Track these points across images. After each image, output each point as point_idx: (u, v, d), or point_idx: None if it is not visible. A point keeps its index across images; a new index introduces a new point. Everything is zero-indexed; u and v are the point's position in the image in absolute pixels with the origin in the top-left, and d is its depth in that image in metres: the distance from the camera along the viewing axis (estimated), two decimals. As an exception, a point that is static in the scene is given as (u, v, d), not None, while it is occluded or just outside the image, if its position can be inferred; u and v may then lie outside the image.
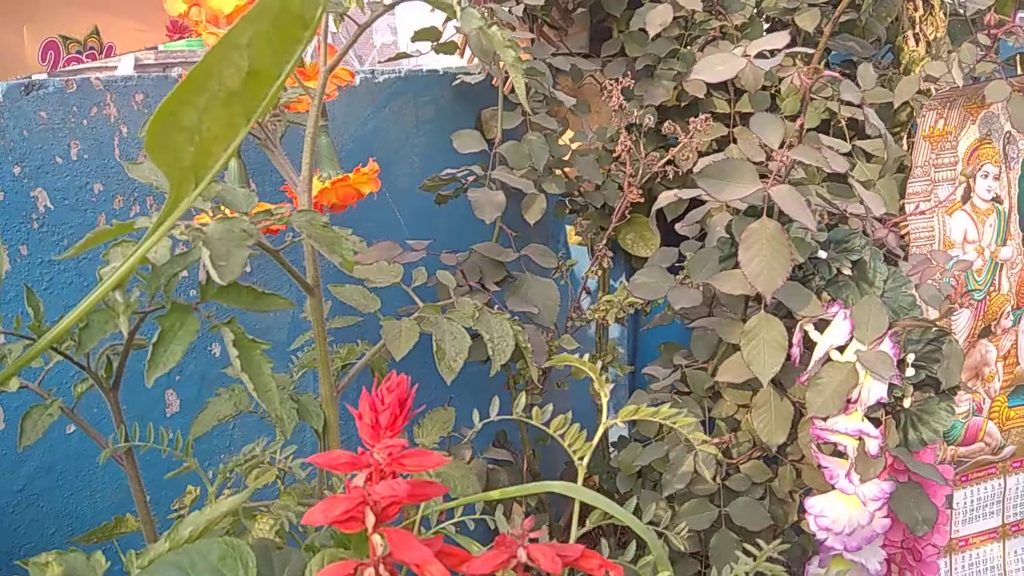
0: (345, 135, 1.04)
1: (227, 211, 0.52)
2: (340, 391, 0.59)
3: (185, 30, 0.72)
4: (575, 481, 0.57)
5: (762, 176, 0.73)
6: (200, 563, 0.41)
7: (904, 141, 1.20)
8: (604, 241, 1.11)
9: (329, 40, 0.63)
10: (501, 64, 1.14)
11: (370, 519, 0.38)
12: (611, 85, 0.97)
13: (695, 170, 0.69)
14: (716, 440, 0.82)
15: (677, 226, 1.06)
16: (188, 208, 0.43)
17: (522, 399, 0.59)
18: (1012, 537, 1.11)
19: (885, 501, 0.73)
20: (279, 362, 0.79)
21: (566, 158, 1.20)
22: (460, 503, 0.52)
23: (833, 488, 0.75)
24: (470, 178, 1.04)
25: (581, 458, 0.55)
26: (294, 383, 0.63)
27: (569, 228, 1.42)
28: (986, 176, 0.98)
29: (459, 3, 0.50)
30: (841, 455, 0.75)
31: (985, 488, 1.08)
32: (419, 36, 1.06)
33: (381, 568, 0.38)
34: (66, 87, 0.72)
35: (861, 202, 0.72)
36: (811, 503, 0.76)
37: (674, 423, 0.58)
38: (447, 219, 1.10)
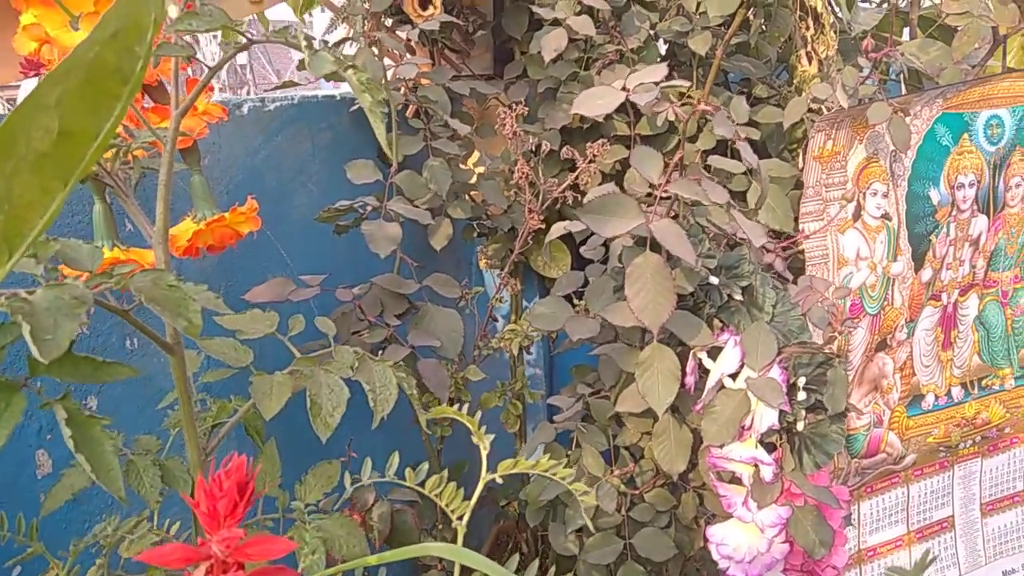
0: (234, 167, 1.00)
1: (67, 271, 0.49)
2: (210, 452, 0.56)
3: (40, 66, 0.68)
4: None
5: (651, 205, 0.73)
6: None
7: (800, 158, 1.23)
8: (507, 268, 1.09)
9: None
10: (401, 88, 1.12)
11: (211, 614, 0.35)
12: (505, 112, 0.96)
13: (582, 204, 0.68)
14: (619, 471, 0.81)
15: (582, 250, 1.05)
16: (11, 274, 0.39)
17: (394, 459, 0.57)
18: (918, 544, 1.14)
19: (783, 527, 0.73)
20: (157, 416, 0.75)
21: (472, 181, 1.18)
22: (337, 570, 0.50)
23: (732, 516, 0.75)
24: (368, 208, 1.02)
25: (460, 517, 0.53)
26: (167, 445, 0.59)
27: (479, 252, 1.41)
28: (875, 194, 1.01)
29: (310, 48, 0.48)
30: (739, 482, 0.75)
31: (889, 497, 1.11)
32: (303, 66, 1.03)
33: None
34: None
35: (757, 223, 0.72)
36: (712, 532, 0.76)
37: (554, 475, 0.57)
38: (348, 249, 1.07)
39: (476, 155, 1.27)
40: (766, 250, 0.79)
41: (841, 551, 0.77)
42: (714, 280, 0.78)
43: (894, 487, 1.11)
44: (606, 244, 1.05)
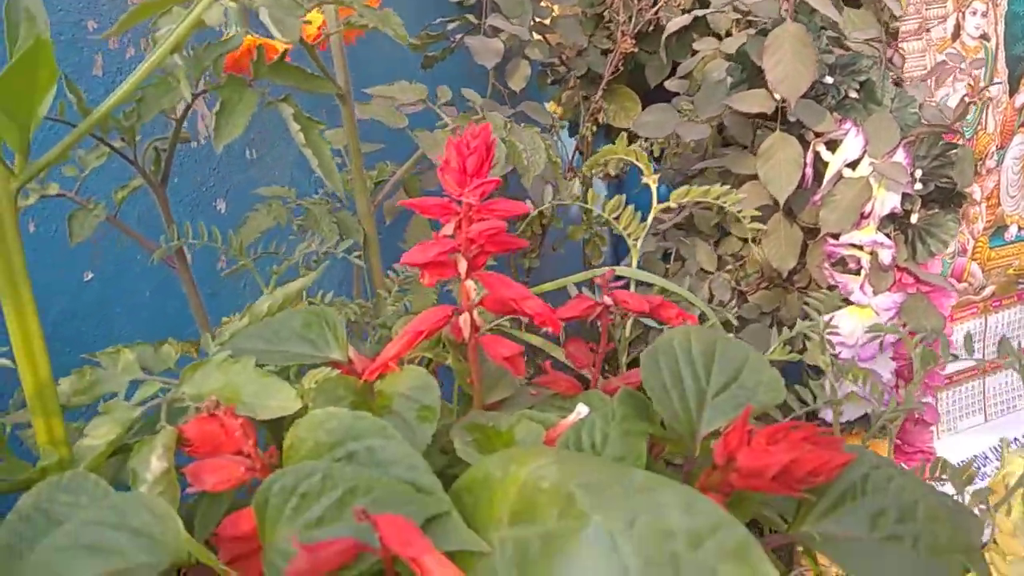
0: None
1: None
2: (376, 206, 0.58)
3: None
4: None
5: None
6: (283, 331, 0.40)
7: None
8: (599, 95, 1.10)
9: None
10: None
11: (462, 264, 0.37)
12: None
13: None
14: (729, 268, 0.84)
15: (667, 83, 1.05)
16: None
17: (575, 185, 0.59)
18: (991, 374, 1.17)
19: (896, 311, 0.76)
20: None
21: (547, 22, 1.18)
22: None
23: (845, 303, 0.77)
24: (458, 35, 1.02)
25: (636, 240, 0.56)
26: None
27: (549, 105, 1.41)
28: (974, 13, 0.99)
29: None
30: (853, 273, 0.78)
31: (968, 327, 1.13)
32: None
33: (475, 314, 0.38)
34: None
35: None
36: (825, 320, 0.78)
37: (724, 201, 0.59)
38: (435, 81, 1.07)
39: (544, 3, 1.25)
40: (881, 42, 0.79)
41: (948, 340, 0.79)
42: (829, 80, 0.79)
43: (973, 317, 1.13)
44: (686, 77, 1.05)
